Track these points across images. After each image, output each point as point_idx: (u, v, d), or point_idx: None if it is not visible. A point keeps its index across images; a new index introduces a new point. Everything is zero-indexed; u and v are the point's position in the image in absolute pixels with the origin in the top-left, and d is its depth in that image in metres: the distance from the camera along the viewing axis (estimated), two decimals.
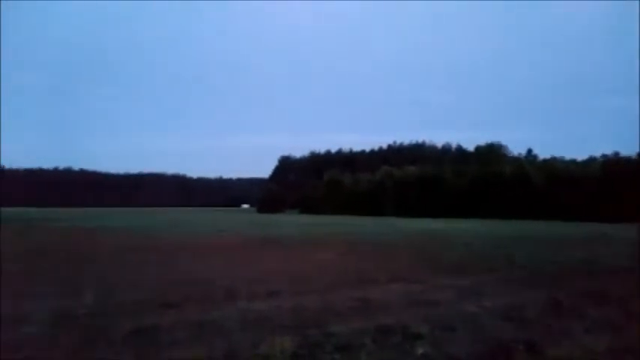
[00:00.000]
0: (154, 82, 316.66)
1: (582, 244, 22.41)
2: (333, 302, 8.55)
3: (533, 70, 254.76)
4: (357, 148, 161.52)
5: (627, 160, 69.64)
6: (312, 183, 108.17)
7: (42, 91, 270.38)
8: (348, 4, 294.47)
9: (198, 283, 10.53)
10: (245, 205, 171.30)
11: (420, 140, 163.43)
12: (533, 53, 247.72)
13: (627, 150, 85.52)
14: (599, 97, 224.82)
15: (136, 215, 72.68)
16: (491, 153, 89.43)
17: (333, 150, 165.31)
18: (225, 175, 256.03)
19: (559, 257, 16.58)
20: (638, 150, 71.79)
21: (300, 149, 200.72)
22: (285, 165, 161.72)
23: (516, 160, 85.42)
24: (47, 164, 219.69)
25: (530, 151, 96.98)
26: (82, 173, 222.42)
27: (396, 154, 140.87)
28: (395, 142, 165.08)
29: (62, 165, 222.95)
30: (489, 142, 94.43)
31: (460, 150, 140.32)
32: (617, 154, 74.55)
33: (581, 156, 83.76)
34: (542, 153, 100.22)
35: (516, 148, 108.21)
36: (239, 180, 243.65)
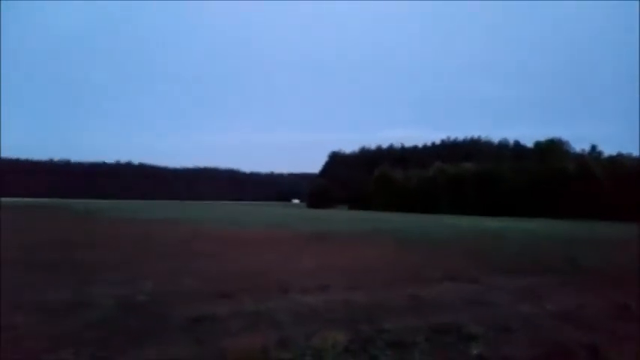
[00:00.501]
0: (214, 81, 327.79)
1: None
2: (384, 298, 8.49)
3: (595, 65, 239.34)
4: (409, 144, 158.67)
5: None
6: (362, 178, 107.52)
7: (113, 88, 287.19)
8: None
9: (251, 275, 10.78)
10: (295, 200, 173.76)
11: (476, 136, 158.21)
12: (596, 48, 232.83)
13: None
14: None
15: (191, 208, 75.57)
16: (553, 149, 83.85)
17: (384, 145, 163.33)
18: (277, 170, 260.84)
19: (623, 259, 15.58)
20: None
21: (350, 144, 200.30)
22: (336, 160, 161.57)
23: (579, 157, 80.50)
24: (108, 158, 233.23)
25: (594, 147, 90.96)
26: (141, 167, 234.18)
27: (449, 150, 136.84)
28: (449, 138, 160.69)
29: (123, 159, 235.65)
30: (550, 137, 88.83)
31: (518, 146, 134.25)
32: None
33: None
34: (608, 150, 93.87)
35: (578, 144, 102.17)
36: (290, 175, 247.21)
